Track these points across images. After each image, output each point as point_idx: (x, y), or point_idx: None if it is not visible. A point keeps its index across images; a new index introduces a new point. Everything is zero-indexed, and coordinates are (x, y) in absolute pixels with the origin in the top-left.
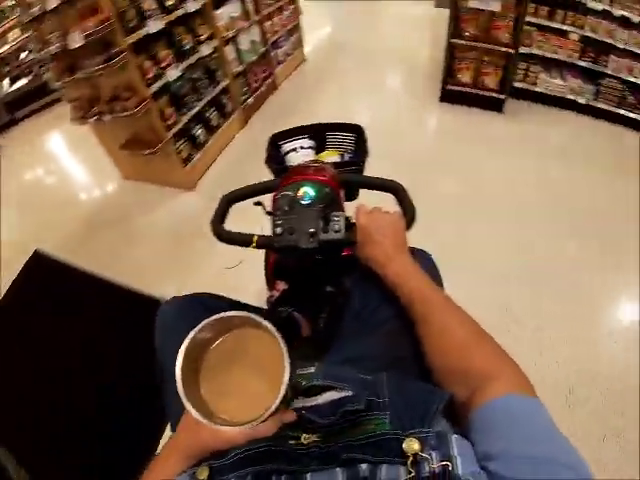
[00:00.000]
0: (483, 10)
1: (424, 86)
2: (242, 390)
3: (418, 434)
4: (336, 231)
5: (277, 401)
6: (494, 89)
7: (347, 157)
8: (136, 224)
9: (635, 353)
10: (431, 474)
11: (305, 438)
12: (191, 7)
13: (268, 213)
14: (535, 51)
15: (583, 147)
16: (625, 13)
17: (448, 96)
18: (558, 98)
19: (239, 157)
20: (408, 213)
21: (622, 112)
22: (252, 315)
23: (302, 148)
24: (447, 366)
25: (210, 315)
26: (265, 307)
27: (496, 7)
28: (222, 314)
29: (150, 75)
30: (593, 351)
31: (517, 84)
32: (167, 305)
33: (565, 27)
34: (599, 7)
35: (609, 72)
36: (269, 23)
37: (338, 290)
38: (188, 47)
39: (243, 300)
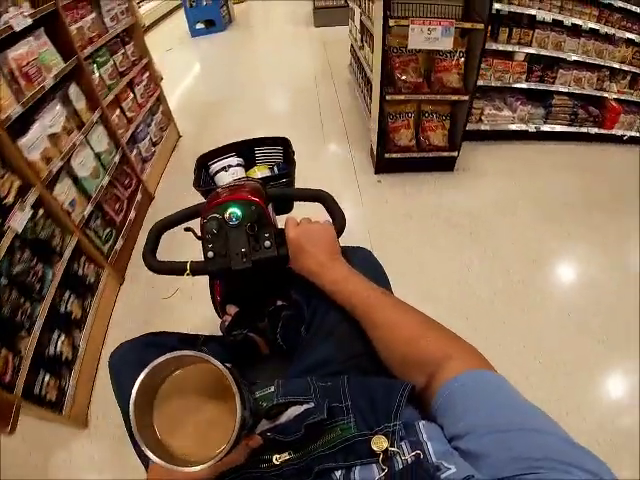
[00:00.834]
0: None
1: (345, 151)
2: (199, 427)
3: (385, 430)
4: (267, 248)
5: (233, 434)
6: (442, 147)
7: (277, 170)
8: None
9: None
10: (405, 466)
11: (277, 459)
12: None
13: (198, 238)
14: (479, 82)
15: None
16: (576, 20)
17: (385, 166)
18: (507, 132)
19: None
20: (337, 220)
21: (574, 130)
22: (193, 352)
23: (231, 166)
24: (401, 359)
25: (162, 353)
26: (220, 333)
27: (447, 44)
28: (166, 355)
29: None
30: None
31: None
32: (117, 352)
33: (511, 47)
34: (549, 18)
35: (558, 89)
36: (116, 114)
37: (288, 302)
38: None
39: (195, 330)
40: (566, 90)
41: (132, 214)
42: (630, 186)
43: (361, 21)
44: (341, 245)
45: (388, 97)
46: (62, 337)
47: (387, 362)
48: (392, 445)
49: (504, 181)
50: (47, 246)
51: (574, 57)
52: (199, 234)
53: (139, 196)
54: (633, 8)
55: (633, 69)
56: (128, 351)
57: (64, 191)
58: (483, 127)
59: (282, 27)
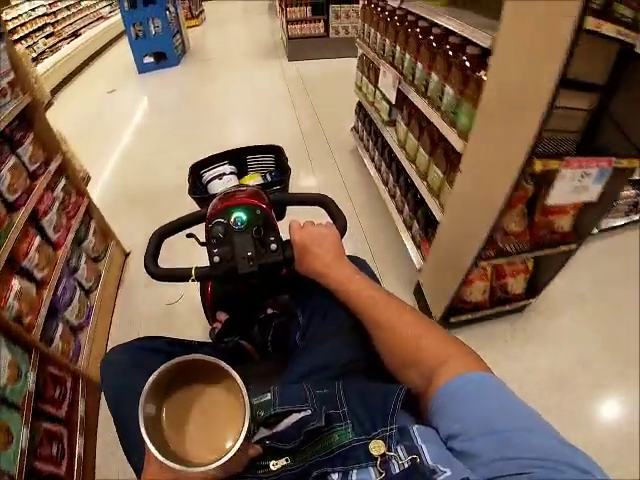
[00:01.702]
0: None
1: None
2: (204, 431)
3: (382, 434)
4: (273, 251)
5: (241, 437)
6: (519, 295)
7: (270, 177)
8: None
9: None
10: (401, 470)
11: (274, 465)
12: None
13: (202, 244)
14: None
15: None
16: None
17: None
18: None
19: None
20: (339, 221)
21: None
22: (209, 358)
23: (224, 174)
24: (401, 360)
25: (158, 357)
26: (210, 341)
27: (594, 193)
28: (182, 357)
29: None
30: None
31: None
32: (111, 355)
33: None
34: None
35: None
36: (14, 290)
37: (280, 311)
38: None
39: (187, 335)
40: None
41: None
42: None
43: (399, 89)
44: None
45: (483, 263)
46: None
47: (387, 362)
48: (389, 449)
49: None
50: None
51: None
52: (202, 240)
53: (80, 405)
54: None
55: None
56: (121, 353)
57: None
58: None
59: (249, 60)
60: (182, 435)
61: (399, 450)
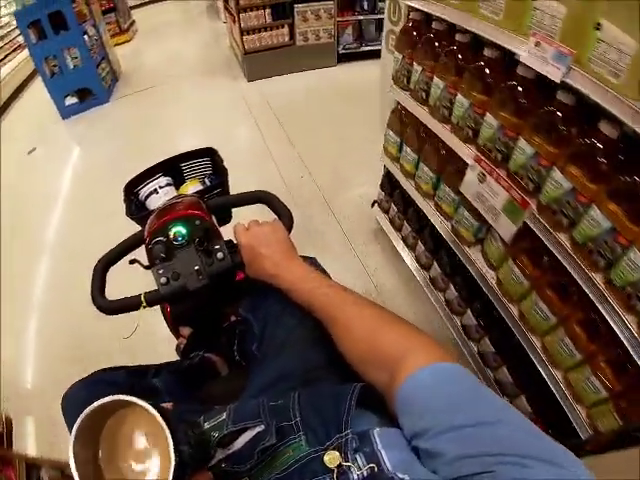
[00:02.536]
0: None
1: None
2: (143, 469)
3: (337, 443)
4: (221, 260)
5: (170, 475)
6: None
7: (209, 182)
8: None
9: None
10: None
11: None
12: None
13: (146, 267)
14: None
15: None
16: None
17: None
18: None
19: None
20: (284, 216)
21: None
22: (125, 397)
23: (161, 187)
24: (361, 356)
25: (112, 391)
26: (174, 360)
27: None
28: (97, 402)
29: None
30: None
31: None
32: (69, 392)
33: None
34: None
35: None
36: None
37: (240, 318)
38: None
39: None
40: None
41: None
42: None
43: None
44: None
45: None
46: None
47: (348, 360)
48: (346, 459)
49: None
50: None
51: None
52: (145, 264)
53: None
54: None
55: None
56: (78, 390)
57: None
58: None
59: (197, 85)
60: (118, 472)
61: (357, 458)
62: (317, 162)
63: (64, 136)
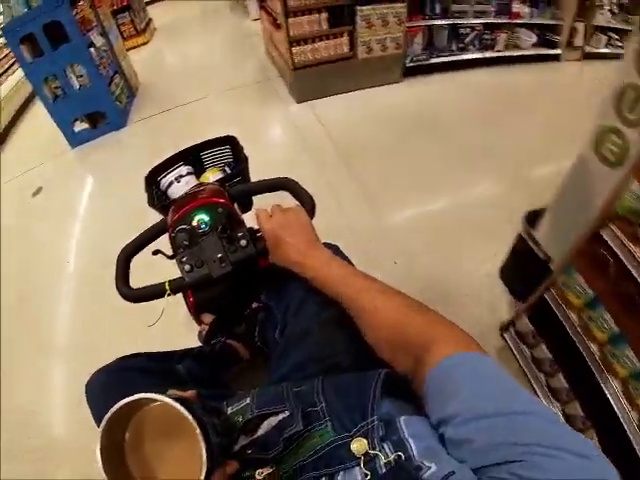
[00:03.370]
0: None
1: None
2: (172, 464)
3: (364, 430)
4: (244, 247)
5: (203, 466)
6: None
7: (229, 170)
8: None
9: None
10: (387, 468)
11: (259, 473)
12: None
13: (170, 257)
14: None
15: None
16: None
17: None
18: None
19: None
20: (306, 203)
21: None
22: (152, 395)
23: (182, 176)
24: (387, 343)
25: (132, 376)
26: (196, 346)
27: None
28: (124, 400)
29: None
30: None
31: None
32: (95, 377)
33: None
34: None
35: None
36: None
37: (262, 305)
38: None
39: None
40: None
41: None
42: None
43: None
44: None
45: None
46: None
47: (374, 346)
48: (373, 446)
49: None
50: None
51: None
52: (168, 254)
53: None
54: None
55: None
56: (100, 376)
57: None
58: None
59: (233, 102)
60: (147, 468)
61: (385, 447)
62: (412, 231)
63: (74, 172)
